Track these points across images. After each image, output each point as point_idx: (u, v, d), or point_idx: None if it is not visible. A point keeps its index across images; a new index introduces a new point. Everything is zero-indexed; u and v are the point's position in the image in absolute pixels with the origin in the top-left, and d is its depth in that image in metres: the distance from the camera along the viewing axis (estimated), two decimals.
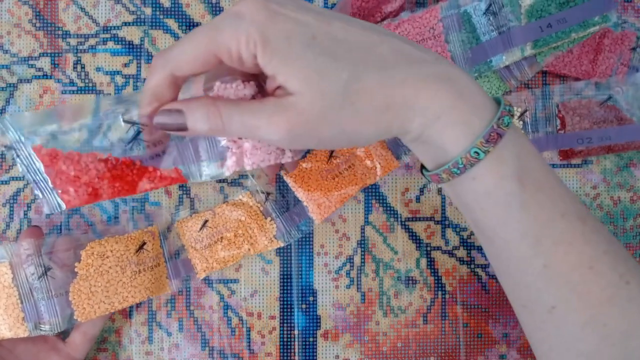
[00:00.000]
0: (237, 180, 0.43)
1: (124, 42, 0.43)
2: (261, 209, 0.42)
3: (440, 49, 0.41)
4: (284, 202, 0.43)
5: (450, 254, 0.44)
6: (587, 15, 0.41)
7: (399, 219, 0.44)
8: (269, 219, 0.42)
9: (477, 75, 0.42)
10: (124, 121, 0.33)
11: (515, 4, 0.41)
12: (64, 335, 0.39)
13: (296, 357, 0.43)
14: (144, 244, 0.39)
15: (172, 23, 0.43)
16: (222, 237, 0.41)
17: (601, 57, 0.43)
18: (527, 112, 0.43)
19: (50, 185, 0.33)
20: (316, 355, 0.43)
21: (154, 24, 0.43)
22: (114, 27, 0.43)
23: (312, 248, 0.44)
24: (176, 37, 0.43)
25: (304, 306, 0.44)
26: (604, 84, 0.43)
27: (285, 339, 0.43)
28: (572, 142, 0.43)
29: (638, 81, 0.43)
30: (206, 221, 0.41)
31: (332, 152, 0.42)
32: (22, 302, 0.36)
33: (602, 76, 0.43)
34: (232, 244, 0.41)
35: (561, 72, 0.43)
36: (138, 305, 0.43)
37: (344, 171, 0.42)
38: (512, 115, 0.27)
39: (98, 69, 0.43)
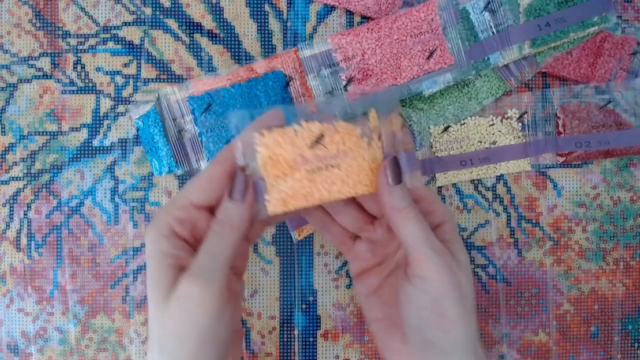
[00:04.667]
0: None
1: (124, 42, 0.43)
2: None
3: (438, 42, 0.41)
4: None
5: None
6: (585, 15, 0.41)
7: None
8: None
9: (476, 73, 0.42)
10: None
11: (514, 3, 0.41)
12: None
13: (296, 357, 0.43)
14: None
15: (172, 23, 0.43)
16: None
17: (600, 60, 0.43)
18: (527, 114, 0.43)
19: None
20: (316, 355, 0.43)
21: (154, 24, 0.43)
22: (114, 27, 0.43)
23: (312, 248, 0.44)
24: (176, 37, 0.43)
25: (304, 306, 0.44)
26: (604, 88, 0.43)
27: (285, 339, 0.43)
28: (570, 145, 0.43)
29: (637, 86, 0.43)
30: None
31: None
32: None
33: (600, 80, 0.43)
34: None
35: (560, 74, 0.43)
36: (138, 305, 0.43)
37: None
38: None
39: (98, 69, 0.43)
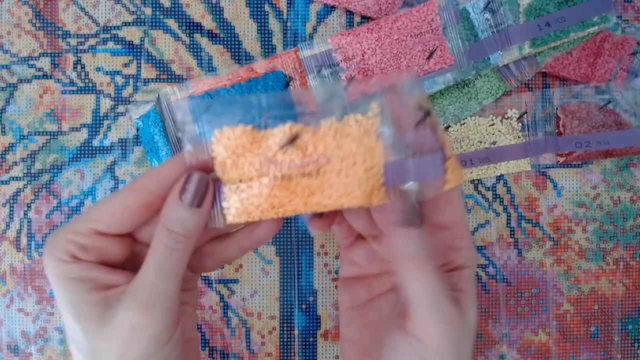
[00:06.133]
0: None
1: (124, 42, 0.43)
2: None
3: (438, 42, 0.41)
4: None
5: None
6: (585, 15, 0.41)
7: None
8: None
9: (476, 73, 0.42)
10: None
11: (514, 2, 0.41)
12: None
13: (296, 357, 0.43)
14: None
15: (172, 23, 0.43)
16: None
17: (600, 60, 0.43)
18: (527, 114, 0.43)
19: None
20: (316, 355, 0.43)
21: (154, 24, 0.43)
22: (114, 27, 0.43)
23: (312, 248, 0.44)
24: (176, 37, 0.43)
25: (304, 306, 0.44)
26: (604, 88, 0.43)
27: (285, 339, 0.43)
28: (570, 145, 0.43)
29: (637, 86, 0.43)
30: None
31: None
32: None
33: (600, 80, 0.43)
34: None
35: (560, 74, 0.43)
36: None
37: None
38: None
39: (98, 69, 0.43)
